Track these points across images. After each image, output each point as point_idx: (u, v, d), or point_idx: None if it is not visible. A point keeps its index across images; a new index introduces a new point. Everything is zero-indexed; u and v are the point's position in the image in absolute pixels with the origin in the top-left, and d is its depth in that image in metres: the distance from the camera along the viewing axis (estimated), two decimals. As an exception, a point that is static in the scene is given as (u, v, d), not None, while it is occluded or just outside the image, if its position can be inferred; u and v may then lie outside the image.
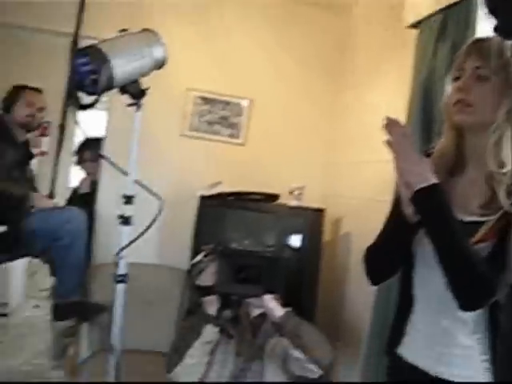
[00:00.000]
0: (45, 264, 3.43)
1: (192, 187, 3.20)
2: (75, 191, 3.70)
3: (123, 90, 2.05)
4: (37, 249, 2.94)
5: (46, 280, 4.48)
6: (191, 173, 3.41)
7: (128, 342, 2.23)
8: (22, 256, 3.28)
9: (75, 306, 2.87)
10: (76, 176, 4.31)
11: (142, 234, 2.01)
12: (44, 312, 5.07)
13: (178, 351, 2.21)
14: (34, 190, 3.15)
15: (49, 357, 3.98)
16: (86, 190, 3.61)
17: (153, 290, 3.02)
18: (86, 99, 1.98)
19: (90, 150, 3.61)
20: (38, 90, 3.18)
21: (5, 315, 5.04)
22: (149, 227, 2.01)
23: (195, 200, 3.11)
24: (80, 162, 3.71)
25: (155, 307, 3.00)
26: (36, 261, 4.36)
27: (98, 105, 1.99)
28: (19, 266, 5.19)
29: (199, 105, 3.53)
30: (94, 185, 3.50)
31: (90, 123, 5.40)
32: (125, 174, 2.03)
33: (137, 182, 2.03)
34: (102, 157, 2.45)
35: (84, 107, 1.95)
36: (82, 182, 3.67)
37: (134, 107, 2.08)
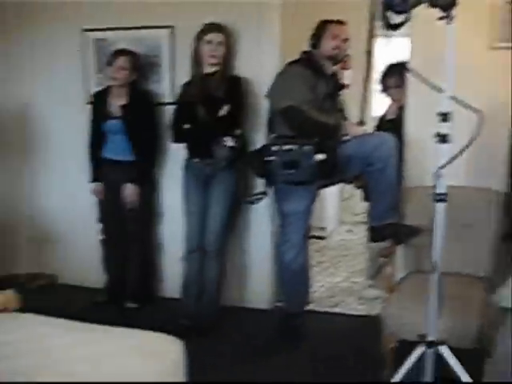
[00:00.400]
0: (357, 190, 3.63)
1: (506, 103, 2.96)
2: (382, 118, 3.76)
3: (432, 3, 1.98)
4: (350, 174, 3.10)
5: (358, 206, 4.73)
6: (504, 87, 3.14)
7: (445, 264, 2.23)
8: (337, 182, 3.49)
9: (390, 228, 2.95)
10: (378, 105, 4.37)
11: (463, 150, 1.94)
12: (357, 236, 5.39)
13: (500, 273, 2.13)
14: (345, 119, 3.30)
15: (365, 276, 4.24)
16: (392, 115, 3.64)
17: (468, 213, 2.92)
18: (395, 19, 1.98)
19: (395, 76, 3.61)
20: (341, 23, 3.26)
21: (323, 238, 5.51)
22: (471, 142, 1.94)
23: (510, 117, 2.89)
24: (385, 90, 3.74)
25: (471, 230, 2.91)
26: (348, 187, 4.64)
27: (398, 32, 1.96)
28: (334, 193, 5.57)
29: (509, 12, 3.19)
30: (400, 110, 3.51)
31: (391, 51, 5.40)
32: (440, 90, 1.98)
33: (453, 97, 1.96)
34: (414, 74, 2.41)
35: (394, 27, 1.95)
36: (389, 108, 3.71)
37: (445, 20, 1.99)
